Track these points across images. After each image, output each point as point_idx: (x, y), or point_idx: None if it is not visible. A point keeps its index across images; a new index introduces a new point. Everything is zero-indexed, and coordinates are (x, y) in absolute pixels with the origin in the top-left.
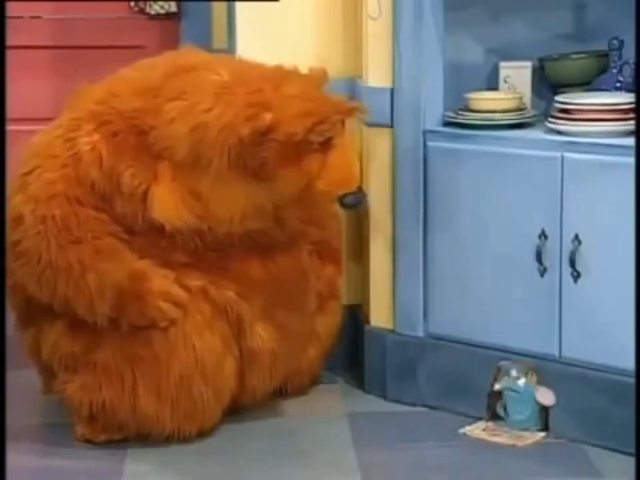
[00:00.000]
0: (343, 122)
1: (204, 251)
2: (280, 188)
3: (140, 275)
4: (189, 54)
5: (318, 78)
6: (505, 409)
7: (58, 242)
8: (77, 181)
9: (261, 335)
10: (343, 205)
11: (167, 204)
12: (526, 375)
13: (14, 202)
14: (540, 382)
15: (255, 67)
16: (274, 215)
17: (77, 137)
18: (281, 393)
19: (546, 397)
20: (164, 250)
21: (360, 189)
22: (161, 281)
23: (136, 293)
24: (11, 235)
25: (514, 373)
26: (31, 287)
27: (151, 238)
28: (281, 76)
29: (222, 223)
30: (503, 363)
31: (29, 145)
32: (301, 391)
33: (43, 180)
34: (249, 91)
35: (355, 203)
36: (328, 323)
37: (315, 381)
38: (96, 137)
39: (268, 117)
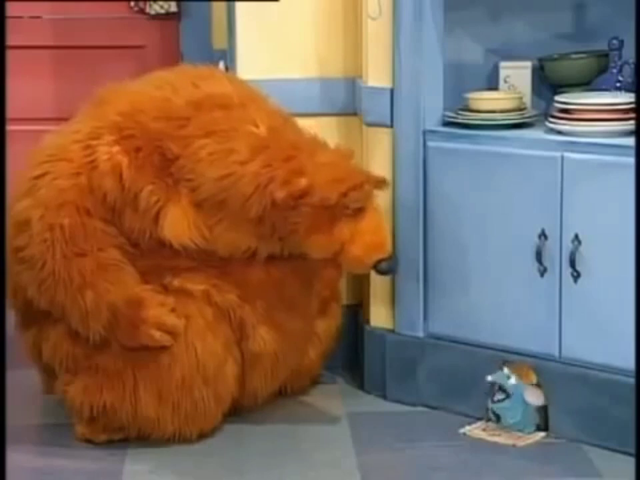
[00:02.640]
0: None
1: (207, 256)
2: (309, 254)
3: (138, 301)
4: (208, 76)
5: (347, 151)
6: (497, 415)
7: (63, 252)
8: (89, 191)
9: (264, 338)
10: (378, 271)
11: (180, 224)
12: (520, 375)
13: (22, 205)
14: (539, 382)
15: (286, 120)
16: None
17: (97, 145)
18: (281, 394)
19: (535, 396)
20: (167, 257)
21: (393, 254)
22: (157, 310)
23: (131, 319)
24: (15, 238)
25: (506, 370)
26: (31, 291)
27: (156, 248)
28: (314, 144)
29: (226, 252)
30: (501, 363)
31: (41, 146)
32: (300, 392)
33: (54, 187)
34: (285, 157)
35: (390, 269)
36: (328, 325)
37: (314, 381)
38: (116, 148)
39: (303, 181)
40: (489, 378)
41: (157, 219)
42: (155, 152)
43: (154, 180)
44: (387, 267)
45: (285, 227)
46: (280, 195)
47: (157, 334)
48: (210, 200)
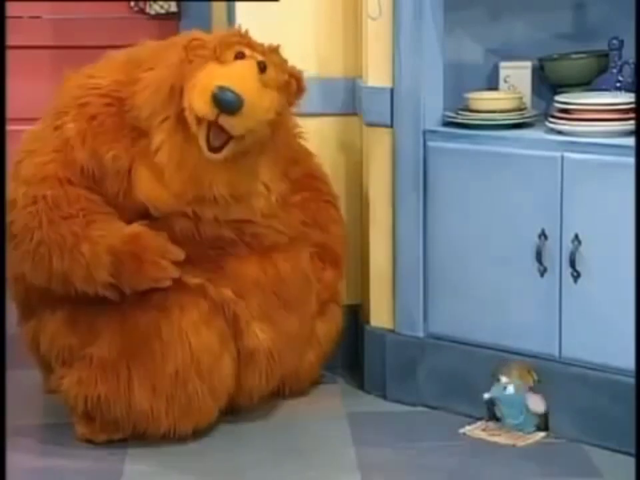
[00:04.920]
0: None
1: (203, 249)
2: (190, 104)
3: (134, 235)
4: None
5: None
6: (500, 413)
7: (49, 218)
8: (67, 164)
9: (258, 335)
10: (215, 98)
11: (147, 183)
12: (520, 378)
13: (9, 189)
14: (540, 382)
15: None
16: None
17: (63, 124)
18: (279, 395)
19: (537, 404)
20: None
21: (238, 95)
22: (156, 239)
23: (133, 252)
24: (7, 218)
25: (503, 379)
26: (27, 268)
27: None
28: None
29: (184, 189)
30: (498, 367)
31: (21, 141)
32: (300, 394)
33: (34, 164)
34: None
35: (229, 100)
36: (328, 327)
37: (314, 382)
38: (80, 122)
39: (204, 38)
40: (486, 396)
41: (129, 178)
42: (109, 112)
43: (112, 144)
44: (227, 96)
45: (184, 80)
46: (183, 45)
47: (163, 262)
48: (147, 123)
